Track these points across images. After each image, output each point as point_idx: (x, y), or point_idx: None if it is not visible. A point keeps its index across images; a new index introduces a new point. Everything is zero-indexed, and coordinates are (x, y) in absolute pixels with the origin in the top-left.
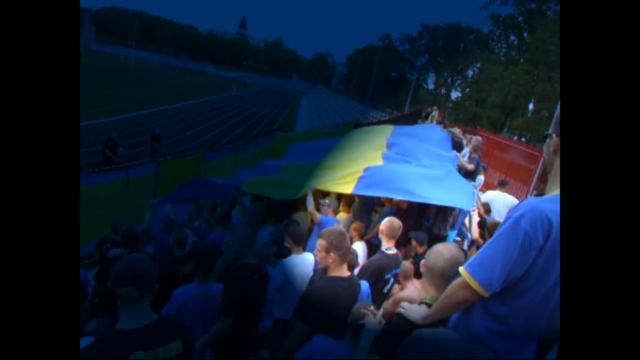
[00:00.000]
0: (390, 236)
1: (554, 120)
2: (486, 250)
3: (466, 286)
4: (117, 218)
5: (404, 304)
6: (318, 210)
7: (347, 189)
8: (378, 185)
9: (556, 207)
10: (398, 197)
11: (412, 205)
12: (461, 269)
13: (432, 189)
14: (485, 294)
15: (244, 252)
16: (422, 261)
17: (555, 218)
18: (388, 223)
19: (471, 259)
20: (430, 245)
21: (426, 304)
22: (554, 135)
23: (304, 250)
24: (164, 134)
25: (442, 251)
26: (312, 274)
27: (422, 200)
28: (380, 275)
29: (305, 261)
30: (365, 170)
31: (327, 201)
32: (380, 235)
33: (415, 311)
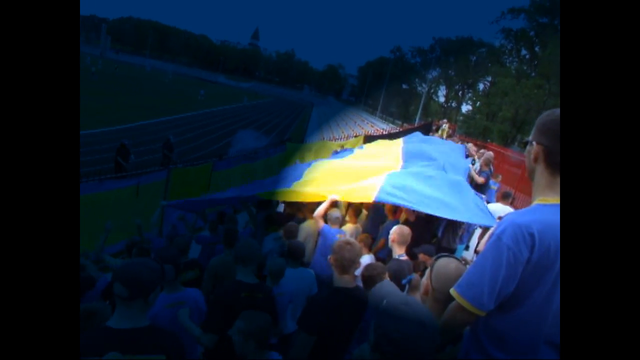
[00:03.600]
0: (401, 243)
1: (534, 128)
2: (473, 269)
3: (461, 309)
4: (127, 225)
5: None
6: (325, 220)
7: (369, 197)
8: (400, 194)
9: (537, 216)
10: (425, 210)
11: (420, 218)
12: (452, 290)
13: (456, 203)
14: (481, 313)
15: (240, 268)
16: (424, 282)
17: (537, 228)
18: (398, 230)
19: (460, 279)
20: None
21: None
22: (534, 142)
23: (304, 262)
24: (175, 142)
25: (449, 268)
26: (312, 288)
27: (447, 216)
28: (398, 280)
29: (300, 276)
30: (387, 176)
31: (334, 213)
32: (391, 243)
33: None
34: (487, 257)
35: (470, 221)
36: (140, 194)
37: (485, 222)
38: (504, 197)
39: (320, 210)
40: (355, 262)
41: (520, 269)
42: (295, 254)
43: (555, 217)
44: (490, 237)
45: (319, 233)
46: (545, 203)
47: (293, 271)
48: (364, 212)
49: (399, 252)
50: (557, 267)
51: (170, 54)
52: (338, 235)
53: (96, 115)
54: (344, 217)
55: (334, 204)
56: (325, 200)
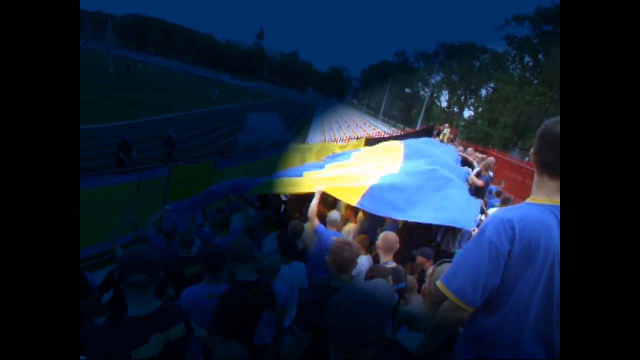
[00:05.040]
0: (387, 250)
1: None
2: (458, 262)
3: (454, 308)
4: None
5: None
6: (320, 219)
7: (353, 200)
8: (384, 201)
9: (521, 212)
10: (398, 217)
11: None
12: (438, 282)
13: (438, 206)
14: (468, 308)
15: (239, 267)
16: (425, 285)
17: (518, 222)
18: (384, 237)
19: (446, 271)
20: (437, 261)
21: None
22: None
23: (295, 259)
24: (177, 139)
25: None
26: (303, 282)
27: (422, 221)
28: None
29: (292, 271)
30: (374, 183)
31: (334, 215)
32: (378, 250)
33: (411, 340)
34: (470, 250)
35: (453, 225)
36: (141, 190)
37: (463, 225)
38: (503, 203)
39: (313, 208)
40: (353, 263)
41: (503, 261)
42: (286, 250)
43: (539, 215)
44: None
45: (314, 233)
46: (534, 202)
47: (285, 267)
48: (362, 212)
49: (386, 259)
50: (538, 265)
51: (175, 52)
52: (334, 238)
53: (103, 111)
54: (345, 218)
55: (334, 205)
56: (314, 194)
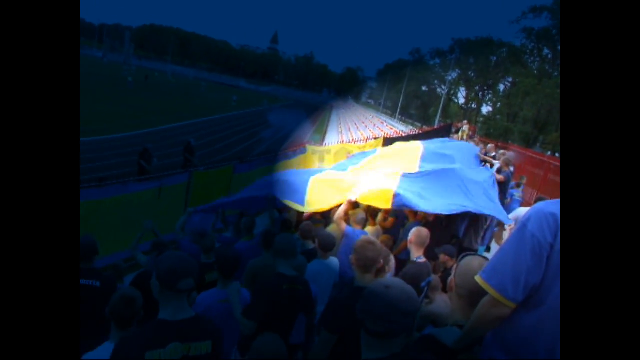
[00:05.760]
0: (419, 245)
1: None
2: (498, 255)
3: (495, 303)
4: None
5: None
6: (347, 221)
7: (386, 203)
8: (418, 196)
9: None
10: (437, 212)
11: (439, 218)
12: (477, 277)
13: (474, 196)
14: (509, 304)
15: (281, 262)
16: (450, 278)
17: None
18: (416, 232)
19: (486, 265)
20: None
21: (459, 326)
22: None
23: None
24: (196, 145)
25: (472, 265)
26: (336, 277)
27: (464, 210)
28: (416, 284)
29: (329, 267)
30: (402, 178)
31: (360, 214)
32: (409, 245)
33: (447, 335)
34: (511, 243)
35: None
36: (162, 196)
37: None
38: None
39: (340, 212)
40: (377, 262)
41: (545, 254)
42: (325, 246)
43: None
44: (516, 224)
45: (343, 235)
46: None
47: (323, 262)
48: (382, 213)
49: (417, 255)
50: None
51: (191, 60)
52: (362, 236)
53: (123, 120)
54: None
55: (356, 206)
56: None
